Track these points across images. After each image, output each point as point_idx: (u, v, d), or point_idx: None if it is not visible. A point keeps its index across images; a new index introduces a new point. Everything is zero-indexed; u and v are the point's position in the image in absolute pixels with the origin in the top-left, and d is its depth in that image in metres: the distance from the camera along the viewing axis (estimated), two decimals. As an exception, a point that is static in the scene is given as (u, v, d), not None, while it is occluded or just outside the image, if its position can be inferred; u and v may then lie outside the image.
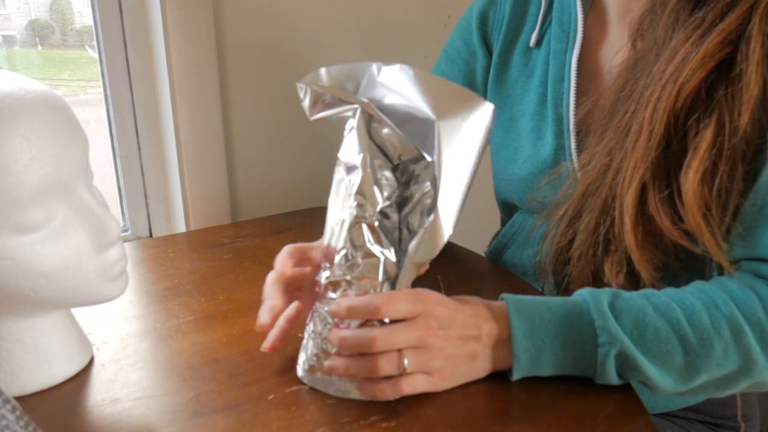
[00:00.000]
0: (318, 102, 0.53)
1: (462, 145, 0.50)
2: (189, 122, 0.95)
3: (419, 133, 0.50)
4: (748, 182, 0.55)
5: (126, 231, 1.04)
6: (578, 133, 0.68)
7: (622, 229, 0.58)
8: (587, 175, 0.62)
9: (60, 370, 0.54)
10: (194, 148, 0.97)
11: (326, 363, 0.52)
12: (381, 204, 0.51)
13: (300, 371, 0.56)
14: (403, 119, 0.51)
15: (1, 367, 0.52)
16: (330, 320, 0.52)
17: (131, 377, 0.56)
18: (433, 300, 0.52)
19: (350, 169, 0.51)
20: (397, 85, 0.52)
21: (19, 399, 0.52)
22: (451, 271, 0.77)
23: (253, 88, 1.01)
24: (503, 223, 0.86)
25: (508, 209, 0.84)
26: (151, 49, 0.95)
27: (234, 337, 0.62)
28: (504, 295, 0.55)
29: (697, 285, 0.56)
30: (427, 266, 0.56)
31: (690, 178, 0.54)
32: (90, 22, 0.94)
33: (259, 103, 1.02)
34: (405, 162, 0.52)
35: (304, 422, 0.50)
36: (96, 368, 0.57)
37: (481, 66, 0.80)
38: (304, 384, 0.55)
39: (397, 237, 0.52)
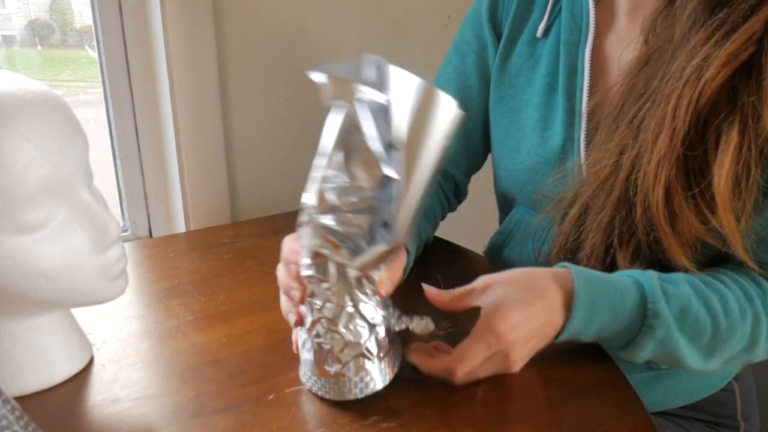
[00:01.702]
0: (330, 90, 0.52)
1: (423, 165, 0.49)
2: (189, 122, 0.95)
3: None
4: (765, 181, 0.56)
5: (126, 231, 1.04)
6: (589, 125, 0.68)
7: (654, 227, 0.58)
8: (598, 174, 0.62)
9: (60, 370, 0.54)
10: (194, 148, 0.97)
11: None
12: (328, 205, 0.50)
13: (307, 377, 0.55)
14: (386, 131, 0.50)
15: (1, 367, 0.52)
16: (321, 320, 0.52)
17: (131, 377, 0.56)
18: (506, 330, 0.52)
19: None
20: (399, 95, 0.50)
21: (19, 399, 0.52)
22: (451, 271, 0.77)
23: (253, 88, 1.01)
24: (501, 222, 0.86)
25: (506, 204, 0.84)
26: (151, 49, 0.95)
27: (234, 337, 0.62)
28: (567, 264, 0.57)
29: (733, 275, 0.60)
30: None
31: (723, 178, 0.54)
32: (90, 22, 0.94)
33: (259, 103, 1.02)
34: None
35: (304, 422, 0.50)
36: (96, 368, 0.57)
37: (493, 57, 0.79)
38: (304, 385, 0.55)
39: (363, 244, 0.51)
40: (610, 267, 0.63)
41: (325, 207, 0.50)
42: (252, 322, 0.65)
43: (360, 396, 0.52)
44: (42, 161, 0.46)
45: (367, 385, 0.52)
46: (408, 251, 0.67)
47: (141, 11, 0.93)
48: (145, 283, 0.74)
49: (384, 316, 0.54)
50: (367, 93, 0.50)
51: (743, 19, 0.54)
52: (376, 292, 0.53)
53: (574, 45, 0.70)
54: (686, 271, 0.60)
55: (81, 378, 0.55)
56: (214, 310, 0.68)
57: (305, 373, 0.54)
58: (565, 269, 0.57)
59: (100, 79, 0.96)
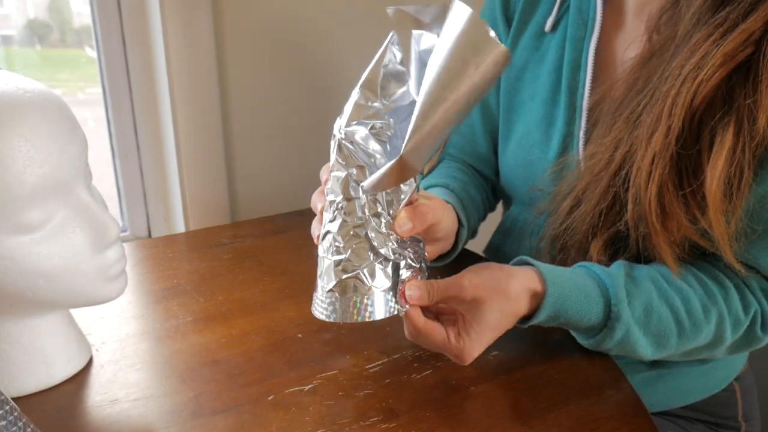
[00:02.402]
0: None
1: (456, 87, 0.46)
2: (188, 122, 0.95)
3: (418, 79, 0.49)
4: (757, 184, 0.55)
5: (125, 231, 1.04)
6: (589, 121, 0.68)
7: (646, 223, 0.58)
8: (593, 166, 0.63)
9: (59, 371, 0.54)
10: (193, 147, 0.97)
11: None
12: (346, 121, 0.51)
13: (322, 304, 0.52)
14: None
15: (-1, 368, 0.51)
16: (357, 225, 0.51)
17: (130, 378, 0.55)
18: (471, 355, 0.54)
19: None
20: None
21: (18, 400, 0.52)
22: (452, 272, 0.76)
23: (253, 87, 1.01)
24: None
25: (507, 201, 0.84)
26: (150, 48, 0.95)
27: (233, 338, 0.62)
28: (543, 273, 0.56)
29: (697, 275, 0.60)
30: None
31: (715, 180, 0.54)
32: (89, 21, 0.94)
33: (259, 103, 1.02)
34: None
35: (304, 423, 0.50)
36: (95, 369, 0.57)
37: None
38: (304, 386, 0.55)
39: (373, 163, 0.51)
40: (588, 256, 0.64)
41: (344, 122, 0.51)
42: (251, 323, 0.65)
43: (349, 320, 0.50)
44: (40, 161, 0.45)
45: (360, 312, 0.50)
46: (461, 223, 0.68)
47: (140, 11, 0.93)
48: (144, 284, 0.74)
49: (399, 254, 0.52)
50: (425, 37, 0.49)
51: (741, 18, 0.54)
52: (391, 227, 0.52)
53: (579, 40, 0.70)
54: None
55: (80, 379, 0.55)
56: (213, 310, 0.67)
57: (315, 298, 0.53)
58: (539, 281, 0.56)
59: (99, 79, 0.96)
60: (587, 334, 0.59)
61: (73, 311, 0.58)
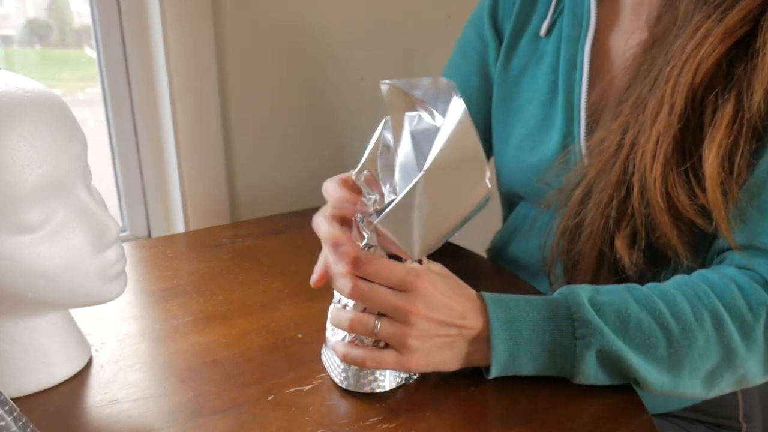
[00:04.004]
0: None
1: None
2: (188, 122, 0.95)
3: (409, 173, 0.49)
4: (755, 159, 0.56)
5: (124, 231, 1.04)
6: (589, 119, 0.68)
7: (651, 205, 0.57)
8: (602, 153, 0.62)
9: (58, 371, 0.54)
10: (193, 147, 0.97)
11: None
12: (376, 201, 0.51)
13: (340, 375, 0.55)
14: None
15: (-1, 368, 0.51)
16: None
17: (130, 378, 0.55)
18: (428, 281, 0.51)
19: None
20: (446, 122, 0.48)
21: (18, 400, 0.52)
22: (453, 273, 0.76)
23: (253, 87, 1.01)
24: (505, 219, 0.86)
25: (510, 201, 0.83)
26: (150, 48, 0.95)
27: (233, 338, 0.62)
28: (482, 293, 0.55)
29: (676, 278, 0.57)
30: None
31: (713, 152, 0.54)
32: (89, 21, 0.94)
33: (259, 103, 1.02)
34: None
35: (304, 423, 0.50)
36: (94, 369, 0.57)
37: (494, 58, 0.80)
38: (303, 386, 0.55)
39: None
40: (610, 249, 0.62)
41: (371, 202, 0.52)
42: (251, 323, 0.65)
43: (360, 390, 0.53)
44: (40, 161, 0.45)
45: (370, 383, 0.53)
46: None
47: (140, 11, 0.93)
48: (144, 284, 0.74)
49: None
50: (424, 112, 0.49)
51: None
52: None
53: (574, 40, 0.71)
54: (679, 255, 0.59)
55: (79, 379, 0.55)
56: (213, 310, 0.67)
57: (329, 357, 0.56)
58: (477, 296, 0.55)
59: (99, 79, 0.96)
60: (565, 357, 0.53)
61: (73, 311, 0.58)
